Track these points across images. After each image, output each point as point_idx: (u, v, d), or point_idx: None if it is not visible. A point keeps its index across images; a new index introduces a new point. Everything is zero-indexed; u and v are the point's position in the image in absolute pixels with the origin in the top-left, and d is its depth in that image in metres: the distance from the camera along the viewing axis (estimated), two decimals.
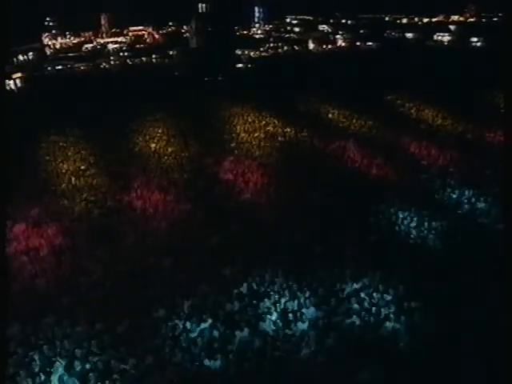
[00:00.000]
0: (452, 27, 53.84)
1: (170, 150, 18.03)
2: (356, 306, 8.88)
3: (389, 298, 9.00)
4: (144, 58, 43.67)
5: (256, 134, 19.29)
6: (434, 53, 43.32)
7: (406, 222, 12.38)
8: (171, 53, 41.87)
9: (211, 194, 14.09)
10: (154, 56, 43.40)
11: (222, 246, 11.21)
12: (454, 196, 14.08)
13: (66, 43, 49.39)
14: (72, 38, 50.72)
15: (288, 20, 60.81)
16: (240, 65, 39.30)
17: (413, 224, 12.25)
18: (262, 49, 46.36)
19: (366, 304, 8.90)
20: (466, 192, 14.12)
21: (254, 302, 8.99)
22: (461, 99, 23.91)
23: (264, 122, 20.88)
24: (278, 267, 9.88)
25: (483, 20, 60.10)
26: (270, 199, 13.83)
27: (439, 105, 22.96)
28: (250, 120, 21.29)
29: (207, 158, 16.83)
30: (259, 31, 56.65)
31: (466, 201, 13.77)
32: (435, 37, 50.18)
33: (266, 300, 9.03)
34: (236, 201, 13.71)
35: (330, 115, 22.36)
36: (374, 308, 8.75)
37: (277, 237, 11.50)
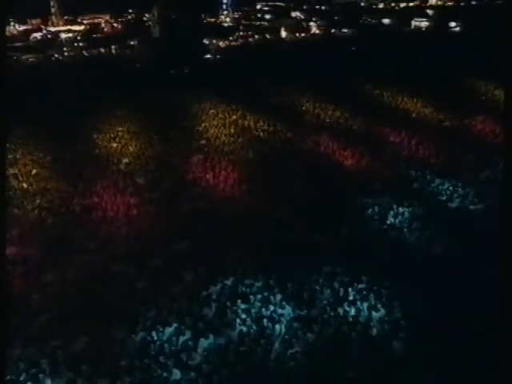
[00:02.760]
0: (430, 12, 55.52)
1: (132, 149, 17.84)
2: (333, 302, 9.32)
3: (363, 286, 9.55)
4: (102, 49, 42.81)
5: (226, 130, 19.39)
6: (412, 39, 44.75)
7: (384, 213, 12.94)
8: (132, 43, 41.28)
9: (179, 195, 14.05)
10: (112, 47, 42.63)
11: (190, 249, 11.31)
12: (435, 186, 14.68)
13: (10, 31, 47.78)
14: (18, 26, 49.17)
15: (258, 7, 61.09)
16: (208, 55, 39.17)
17: (392, 215, 12.84)
18: (231, 38, 46.39)
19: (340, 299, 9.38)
20: (447, 181, 14.77)
21: (226, 305, 9.28)
22: (440, 86, 24.76)
23: (235, 117, 20.98)
24: (252, 267, 10.32)
25: (461, 4, 62.27)
26: (242, 197, 14.01)
27: (418, 93, 23.62)
28: (219, 115, 21.33)
29: (174, 157, 16.79)
30: (228, 19, 56.63)
31: (447, 190, 14.38)
32: (413, 22, 51.58)
33: (240, 302, 9.35)
34: (206, 201, 13.74)
35: (304, 107, 22.71)
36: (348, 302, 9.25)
37: (251, 235, 11.89)
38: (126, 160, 16.78)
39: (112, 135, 19.35)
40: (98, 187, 14.48)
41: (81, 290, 9.85)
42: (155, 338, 8.56)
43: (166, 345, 8.37)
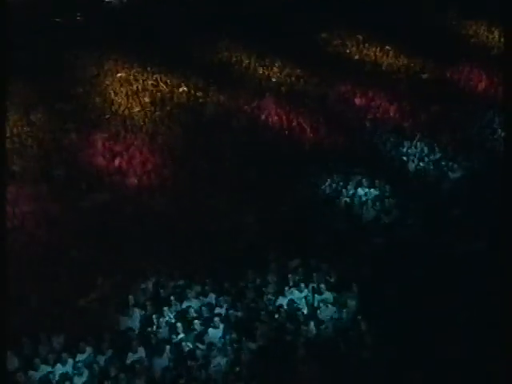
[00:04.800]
0: None
1: (10, 126, 17.19)
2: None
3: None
4: None
5: (140, 98, 19.42)
6: None
7: (349, 192, 14.11)
8: None
9: (74, 186, 14.23)
10: None
11: (94, 254, 12.04)
12: (410, 157, 15.86)
13: None
14: None
15: None
16: None
17: (359, 194, 14.02)
18: None
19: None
20: (425, 150, 16.10)
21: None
22: (417, 29, 25.37)
23: (150, 81, 20.91)
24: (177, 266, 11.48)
25: None
26: (165, 184, 14.64)
27: (389, 39, 24.50)
28: (129, 78, 21.10)
29: (65, 138, 16.73)
30: None
31: (424, 163, 15.66)
32: None
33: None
34: (114, 194, 14.15)
35: (244, 64, 23.13)
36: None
37: (178, 231, 12.85)
38: None
39: None
40: None
41: None
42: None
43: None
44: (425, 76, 21.61)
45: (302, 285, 10.93)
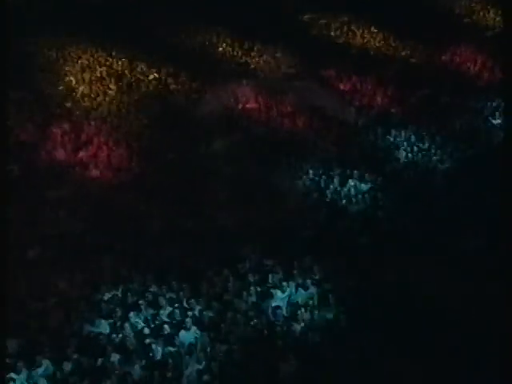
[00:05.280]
0: None
1: None
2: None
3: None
4: None
5: (104, 86, 19.25)
6: None
7: (330, 183, 14.30)
8: None
9: (30, 183, 14.09)
10: None
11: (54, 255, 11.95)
12: (397, 146, 16.04)
13: None
14: None
15: None
16: None
17: (342, 186, 14.25)
18: None
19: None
20: (412, 139, 16.25)
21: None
22: (403, 11, 25.07)
23: (117, 68, 20.72)
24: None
25: None
26: (131, 179, 14.60)
27: (375, 22, 24.49)
28: (91, 64, 20.77)
29: (25, 127, 16.47)
30: None
31: (412, 151, 15.86)
32: None
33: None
34: (76, 188, 14.08)
35: (220, 49, 22.73)
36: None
37: (147, 229, 12.94)
38: None
39: None
40: None
41: None
42: None
43: None
44: (414, 60, 21.67)
45: (279, 282, 11.03)
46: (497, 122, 17.08)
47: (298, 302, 10.70)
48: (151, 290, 11.06)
